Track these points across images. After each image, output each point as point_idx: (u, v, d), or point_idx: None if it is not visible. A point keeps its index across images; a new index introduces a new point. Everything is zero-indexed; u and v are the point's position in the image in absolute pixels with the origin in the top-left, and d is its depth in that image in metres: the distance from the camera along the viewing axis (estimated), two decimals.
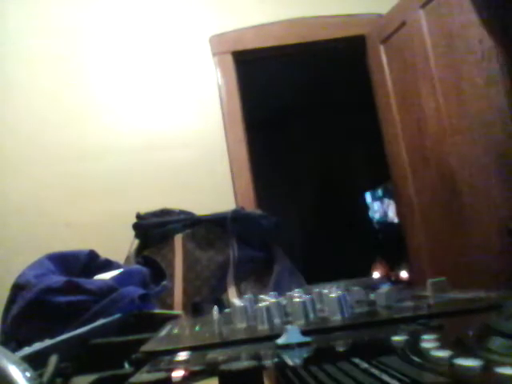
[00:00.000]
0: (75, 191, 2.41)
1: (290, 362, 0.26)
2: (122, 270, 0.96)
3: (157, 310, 0.86)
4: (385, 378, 0.20)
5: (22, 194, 2.40)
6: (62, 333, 0.51)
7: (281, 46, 2.64)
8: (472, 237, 1.85)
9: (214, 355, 0.31)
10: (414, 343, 0.25)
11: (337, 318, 0.39)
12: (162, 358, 0.32)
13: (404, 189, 2.35)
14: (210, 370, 0.26)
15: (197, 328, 0.46)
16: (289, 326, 0.32)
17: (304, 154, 5.02)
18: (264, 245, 1.70)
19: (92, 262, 1.01)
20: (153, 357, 0.33)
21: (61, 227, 2.34)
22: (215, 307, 0.51)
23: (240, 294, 1.57)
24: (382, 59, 2.51)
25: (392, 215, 4.58)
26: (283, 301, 0.47)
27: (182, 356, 0.32)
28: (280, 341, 0.31)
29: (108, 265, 1.03)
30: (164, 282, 0.97)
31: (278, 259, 1.68)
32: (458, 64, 1.92)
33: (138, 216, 1.84)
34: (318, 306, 0.45)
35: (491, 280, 1.67)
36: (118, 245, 1.73)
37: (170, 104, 2.54)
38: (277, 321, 0.41)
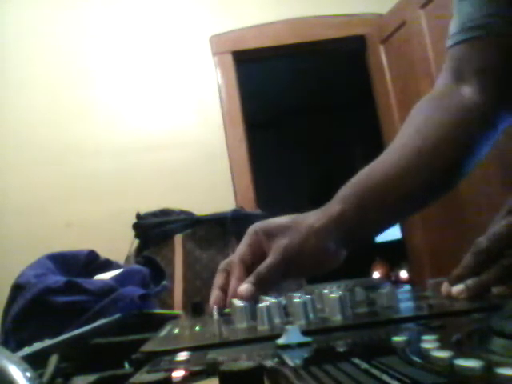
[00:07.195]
0: (75, 191, 2.41)
1: (290, 362, 0.26)
2: (121, 269, 0.96)
3: (157, 310, 0.86)
4: (385, 378, 0.20)
5: (22, 193, 2.40)
6: (62, 333, 0.51)
7: (281, 46, 2.64)
8: (472, 237, 1.85)
9: (214, 355, 0.31)
10: (414, 343, 0.25)
11: (337, 318, 0.39)
12: (162, 357, 0.32)
13: None
14: (210, 370, 0.26)
15: (197, 328, 0.46)
16: (289, 326, 0.32)
17: (304, 154, 5.02)
18: None
19: (92, 262, 1.01)
20: (153, 357, 0.33)
21: (61, 227, 2.34)
22: (215, 307, 0.51)
23: None
24: (381, 59, 2.51)
25: None
26: (283, 301, 0.47)
27: (182, 356, 0.32)
28: (280, 341, 0.31)
29: (108, 265, 1.03)
30: (164, 282, 0.97)
31: None
32: None
33: (138, 216, 1.84)
34: (318, 306, 0.45)
35: None
36: (118, 245, 1.73)
37: (170, 104, 2.54)
38: (277, 321, 0.41)
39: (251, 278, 0.56)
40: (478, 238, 0.44)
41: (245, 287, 0.55)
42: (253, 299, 0.52)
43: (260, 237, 0.60)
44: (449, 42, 0.67)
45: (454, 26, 0.66)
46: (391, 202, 0.61)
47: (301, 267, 0.60)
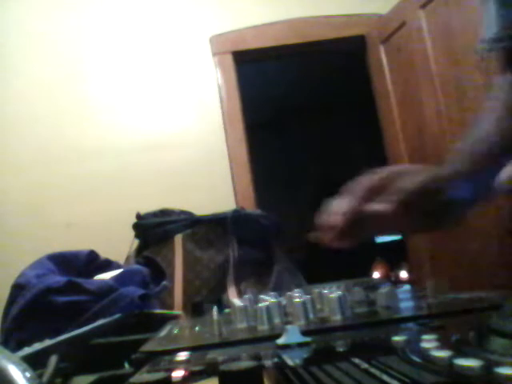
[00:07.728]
0: (75, 191, 2.41)
1: (290, 362, 0.26)
2: (121, 269, 0.96)
3: (157, 310, 0.86)
4: (385, 378, 0.20)
5: (22, 193, 2.40)
6: (62, 333, 0.51)
7: (281, 46, 2.63)
8: (472, 237, 1.85)
9: (213, 355, 0.31)
10: (414, 343, 0.25)
11: (337, 318, 0.40)
12: (162, 357, 0.32)
13: None
14: (210, 370, 0.26)
15: (197, 328, 0.46)
16: (289, 326, 0.32)
17: (304, 154, 5.02)
18: (264, 245, 1.70)
19: (92, 262, 1.01)
20: (153, 357, 0.33)
21: (61, 227, 2.34)
22: (215, 307, 0.51)
23: (240, 294, 1.57)
24: (381, 59, 2.51)
25: None
26: (283, 301, 0.47)
27: (182, 356, 0.32)
28: (280, 341, 0.31)
29: (108, 265, 1.03)
30: (164, 282, 0.97)
31: (278, 259, 1.68)
32: (458, 64, 1.92)
33: (138, 216, 1.84)
34: (318, 306, 0.45)
35: (491, 280, 1.67)
36: (118, 245, 1.73)
37: (170, 104, 2.54)
38: (277, 321, 0.41)
39: (392, 195, 0.51)
40: None
41: (382, 204, 0.50)
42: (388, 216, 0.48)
43: (392, 175, 0.56)
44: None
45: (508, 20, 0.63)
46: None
47: (415, 212, 0.55)
